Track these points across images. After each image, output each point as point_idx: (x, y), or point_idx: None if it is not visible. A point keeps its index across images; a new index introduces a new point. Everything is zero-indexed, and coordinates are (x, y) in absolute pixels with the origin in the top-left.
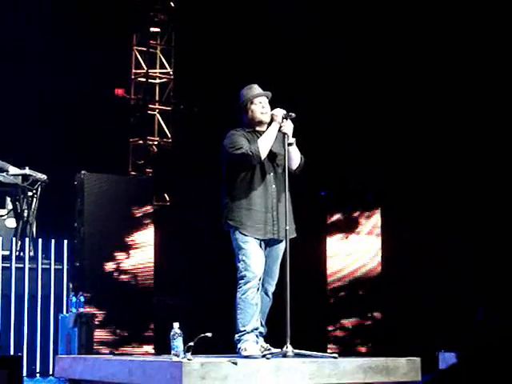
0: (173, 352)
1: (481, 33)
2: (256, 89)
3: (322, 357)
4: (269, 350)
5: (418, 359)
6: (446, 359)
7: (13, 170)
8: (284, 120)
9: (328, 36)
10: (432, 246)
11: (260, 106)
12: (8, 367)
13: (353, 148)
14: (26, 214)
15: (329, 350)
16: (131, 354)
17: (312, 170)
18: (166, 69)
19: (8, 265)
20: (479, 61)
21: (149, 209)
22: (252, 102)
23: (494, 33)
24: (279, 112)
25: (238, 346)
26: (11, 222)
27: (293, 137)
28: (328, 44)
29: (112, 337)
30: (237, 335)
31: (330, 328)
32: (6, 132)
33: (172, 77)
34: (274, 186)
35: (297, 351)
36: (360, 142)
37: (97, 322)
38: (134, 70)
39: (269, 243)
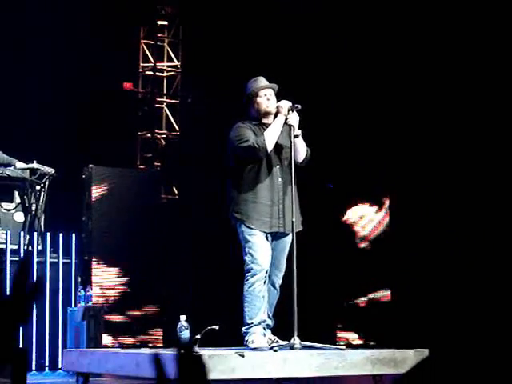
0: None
1: (485, 24)
2: (261, 81)
3: (329, 349)
4: (276, 342)
5: (426, 351)
6: None
7: (20, 165)
8: (290, 112)
9: (335, 27)
10: (440, 239)
11: (265, 98)
12: (13, 360)
13: (360, 140)
14: (34, 208)
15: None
16: (139, 347)
17: (319, 162)
18: (174, 62)
19: (16, 259)
20: (485, 45)
21: (157, 202)
22: (257, 95)
23: (497, 28)
24: (285, 104)
25: (246, 338)
26: (19, 216)
27: (299, 129)
28: (335, 35)
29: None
30: (244, 328)
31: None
32: (13, 126)
33: (179, 70)
34: (280, 178)
35: (304, 343)
36: (367, 133)
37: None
38: (141, 64)
39: (275, 236)
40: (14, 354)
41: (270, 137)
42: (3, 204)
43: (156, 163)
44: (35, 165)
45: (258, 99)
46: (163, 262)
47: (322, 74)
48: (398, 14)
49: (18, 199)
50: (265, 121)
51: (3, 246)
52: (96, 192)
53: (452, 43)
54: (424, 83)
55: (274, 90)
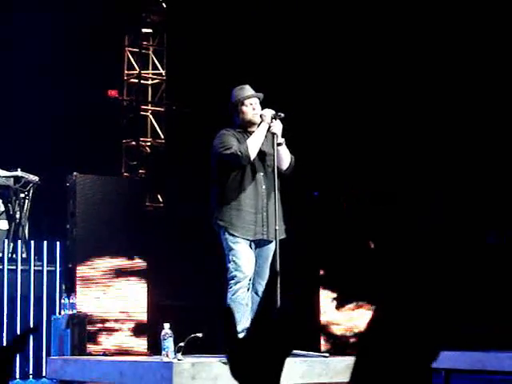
0: (163, 352)
1: (482, 24)
2: (247, 90)
3: (312, 356)
4: None
5: None
6: (438, 358)
7: (3, 173)
8: (273, 120)
9: (320, 33)
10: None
11: (251, 107)
12: None
13: (345, 147)
14: (18, 216)
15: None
16: (123, 355)
17: (304, 169)
18: (159, 70)
19: (0, 267)
20: (479, 51)
21: (142, 209)
22: (243, 104)
23: (495, 29)
24: (268, 112)
25: None
26: (3, 224)
27: (282, 137)
28: (320, 42)
29: (105, 338)
30: None
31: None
32: None
33: (164, 78)
34: (264, 186)
35: None
36: (352, 140)
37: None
38: (126, 71)
39: (259, 244)
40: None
41: (253, 145)
42: None
43: (141, 171)
44: (19, 173)
45: (244, 108)
46: (148, 269)
47: (306, 82)
48: (377, 18)
49: (1, 207)
50: (249, 129)
51: None
52: (80, 200)
53: (431, 59)
54: (408, 93)
55: (259, 99)
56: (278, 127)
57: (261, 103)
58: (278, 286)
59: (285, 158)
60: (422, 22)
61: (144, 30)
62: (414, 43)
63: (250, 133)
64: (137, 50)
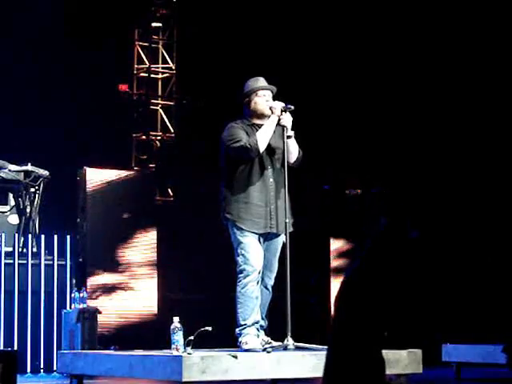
0: (173, 346)
1: (482, 24)
2: (262, 81)
3: (322, 350)
4: (269, 343)
5: (419, 351)
6: (450, 352)
7: (13, 167)
8: (283, 113)
9: (329, 30)
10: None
11: (264, 98)
12: (3, 362)
13: (352, 140)
14: (28, 211)
15: None
16: (133, 349)
17: (312, 163)
18: (169, 64)
19: (11, 261)
20: (479, 50)
21: (152, 203)
22: (257, 94)
23: (495, 28)
24: (278, 105)
25: (239, 339)
26: (14, 219)
27: (291, 130)
28: (331, 38)
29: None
30: (237, 329)
31: None
32: (7, 128)
33: (174, 72)
34: (272, 179)
35: (297, 344)
36: (359, 133)
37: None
38: (136, 66)
39: (267, 237)
40: None
41: (263, 137)
42: None
43: (151, 165)
44: (29, 167)
45: (257, 98)
46: (157, 263)
47: (316, 75)
48: (386, 16)
49: (12, 202)
50: (258, 121)
51: None
52: (90, 194)
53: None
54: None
55: (272, 92)
56: (287, 120)
57: (272, 96)
58: (289, 278)
59: (293, 150)
60: (427, 16)
61: (154, 24)
62: (421, 40)
63: (259, 125)
64: (146, 44)
